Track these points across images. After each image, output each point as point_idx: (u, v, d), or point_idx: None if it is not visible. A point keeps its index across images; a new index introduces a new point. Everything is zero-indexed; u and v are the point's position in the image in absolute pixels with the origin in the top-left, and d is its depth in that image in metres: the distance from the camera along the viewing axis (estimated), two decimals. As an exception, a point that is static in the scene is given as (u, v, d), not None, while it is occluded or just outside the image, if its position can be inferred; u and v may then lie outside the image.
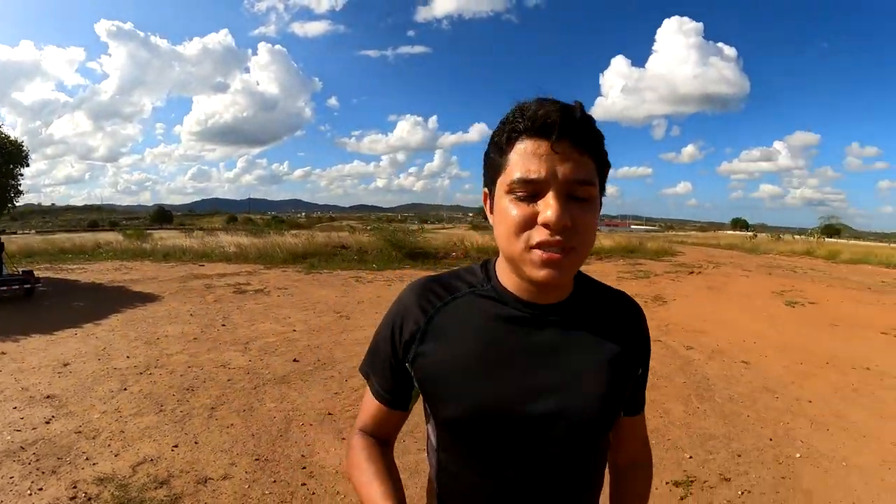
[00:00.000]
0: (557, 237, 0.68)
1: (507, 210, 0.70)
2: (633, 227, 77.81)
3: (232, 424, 2.88)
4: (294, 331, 4.97)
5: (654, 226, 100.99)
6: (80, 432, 2.72)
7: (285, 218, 71.19)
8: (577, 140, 0.69)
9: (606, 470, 0.91)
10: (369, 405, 0.87)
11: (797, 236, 36.58)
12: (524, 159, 0.69)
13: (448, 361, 0.78)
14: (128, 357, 3.90)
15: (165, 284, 7.01)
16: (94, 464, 2.42)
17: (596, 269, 11.64)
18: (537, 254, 0.69)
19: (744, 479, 2.71)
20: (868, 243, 36.26)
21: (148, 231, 18.66)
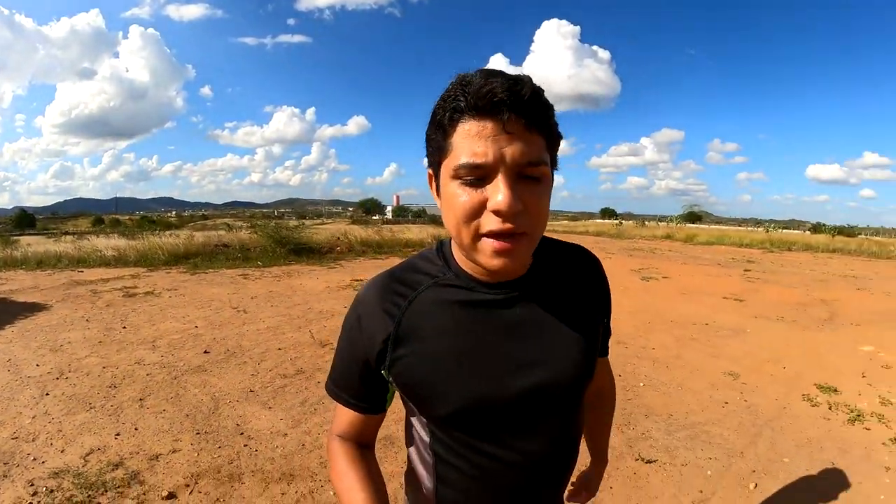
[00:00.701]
0: (509, 224, 0.65)
1: (456, 196, 0.67)
2: None
3: (164, 410, 3.16)
4: (196, 327, 5.13)
5: None
6: (17, 438, 2.81)
7: (156, 218, 65.86)
8: (527, 118, 0.64)
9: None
10: (344, 415, 0.85)
11: (660, 222, 40.40)
12: (469, 142, 0.64)
13: (427, 362, 0.76)
14: (38, 365, 3.90)
15: (49, 293, 6.69)
16: (42, 462, 2.58)
17: None
18: (488, 243, 0.66)
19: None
20: (726, 227, 41.31)
21: (13, 237, 16.70)
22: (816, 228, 35.87)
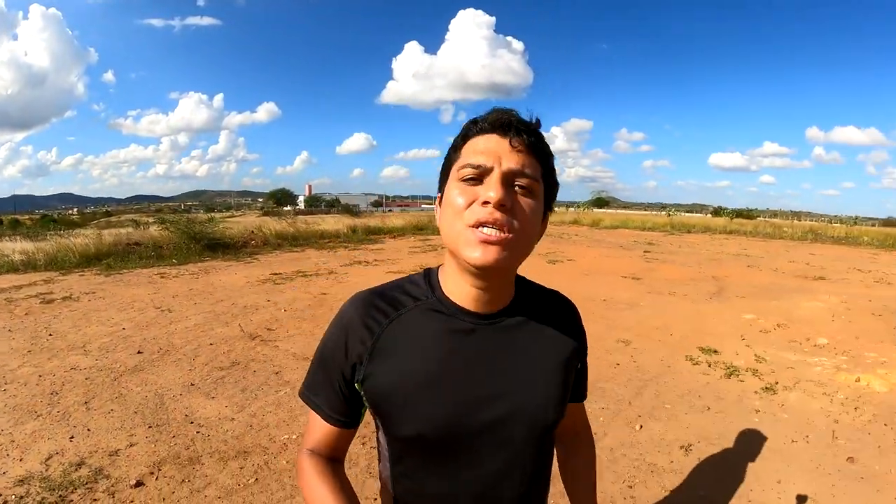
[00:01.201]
0: (496, 215, 0.71)
1: (454, 196, 0.75)
2: (423, 206, 79.91)
3: (112, 410, 3.39)
4: (123, 329, 5.22)
5: None
6: (-30, 453, 2.89)
7: (57, 217, 60.11)
8: (528, 141, 0.75)
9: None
10: (317, 428, 0.86)
11: (570, 209, 42.46)
12: (475, 148, 0.75)
13: (399, 381, 0.79)
14: (-31, 381, 3.93)
15: (-42, 306, 6.46)
16: (4, 473, 2.68)
17: (390, 247, 12.92)
18: (475, 233, 0.72)
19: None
20: (633, 212, 44.31)
21: None
22: (717, 212, 39.37)
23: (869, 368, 4.51)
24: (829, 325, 6.05)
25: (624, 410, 3.55)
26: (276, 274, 8.45)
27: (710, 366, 4.53)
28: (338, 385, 0.83)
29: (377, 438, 0.90)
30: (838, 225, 27.13)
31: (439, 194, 0.83)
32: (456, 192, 0.75)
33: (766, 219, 33.07)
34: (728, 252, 14.46)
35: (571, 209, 40.87)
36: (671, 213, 35.63)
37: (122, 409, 3.42)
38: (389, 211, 38.77)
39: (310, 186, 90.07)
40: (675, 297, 7.54)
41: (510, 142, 0.74)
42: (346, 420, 0.85)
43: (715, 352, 4.91)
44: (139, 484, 2.61)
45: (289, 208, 49.93)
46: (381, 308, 0.82)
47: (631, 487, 2.69)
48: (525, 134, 0.75)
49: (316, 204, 62.49)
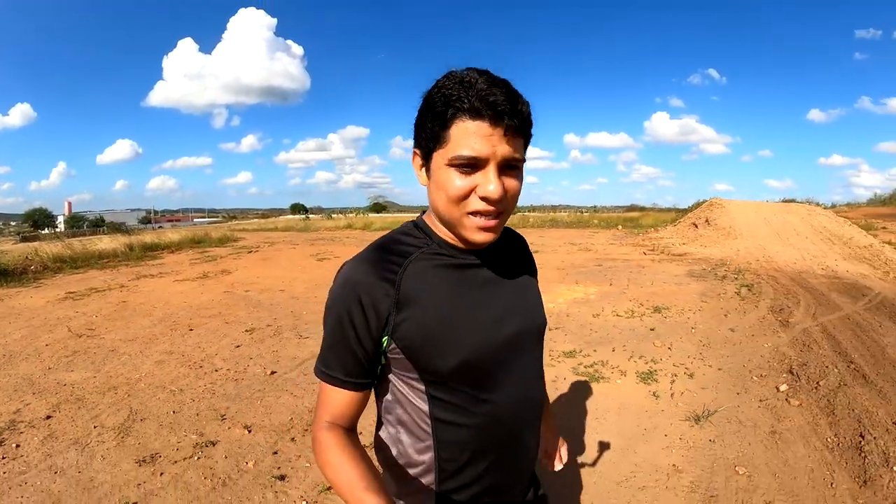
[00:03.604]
0: (494, 208, 0.81)
1: (450, 181, 0.80)
2: (195, 220, 75.26)
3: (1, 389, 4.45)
4: None
5: (217, 217, 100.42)
6: None
7: None
8: (519, 128, 0.79)
9: None
10: (335, 399, 0.89)
11: (349, 214, 44.84)
12: (468, 138, 0.77)
13: (432, 320, 0.85)
14: None
15: None
16: None
17: (170, 261, 13.49)
18: (475, 220, 0.82)
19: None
20: (403, 215, 48.74)
21: None
22: None
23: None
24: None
25: None
26: (71, 293, 8.79)
27: None
28: (360, 348, 0.86)
29: (387, 405, 0.96)
30: (565, 214, 33.80)
31: (416, 150, 0.88)
32: (450, 178, 0.80)
33: (525, 213, 38.77)
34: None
35: (351, 215, 43.48)
36: None
37: (8, 388, 4.25)
38: (159, 227, 36.43)
39: (69, 203, 77.36)
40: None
41: (504, 130, 0.77)
42: (366, 382, 0.90)
43: None
44: (48, 416, 3.63)
45: (46, 231, 42.85)
46: (392, 260, 0.87)
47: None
48: (516, 117, 0.78)
49: (78, 225, 54.39)
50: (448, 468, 0.92)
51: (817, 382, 4.34)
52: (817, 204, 28.09)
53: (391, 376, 0.93)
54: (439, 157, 0.82)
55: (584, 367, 4.65)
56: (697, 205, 23.24)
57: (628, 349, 5.15)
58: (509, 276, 0.97)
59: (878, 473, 3.07)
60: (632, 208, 49.01)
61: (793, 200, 30.77)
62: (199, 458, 3.09)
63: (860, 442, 3.40)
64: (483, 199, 0.80)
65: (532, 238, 18.76)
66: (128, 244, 14.83)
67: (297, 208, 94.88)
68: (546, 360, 4.76)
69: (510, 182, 0.82)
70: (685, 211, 25.26)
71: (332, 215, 45.04)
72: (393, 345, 0.87)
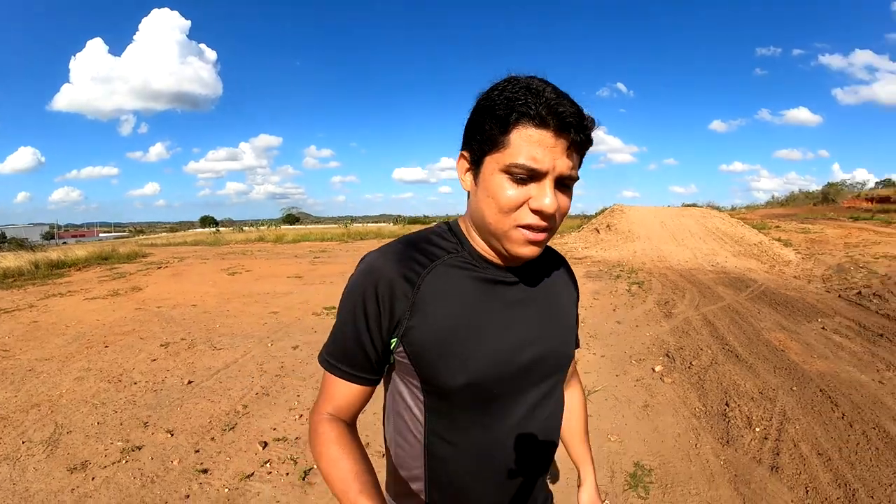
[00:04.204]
0: (545, 223, 0.77)
1: (502, 189, 0.75)
2: (101, 235, 70.06)
3: None
4: None
5: (124, 231, 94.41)
6: None
7: None
8: (582, 144, 0.77)
9: None
10: (338, 391, 0.86)
11: (262, 226, 43.89)
12: (531, 147, 0.73)
13: (444, 332, 0.81)
14: None
15: None
16: None
17: (78, 278, 13.16)
18: (523, 233, 0.77)
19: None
20: (323, 226, 48.82)
21: None
22: (395, 220, 45.40)
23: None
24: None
25: (262, 345, 6.30)
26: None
27: (326, 315, 7.70)
28: (368, 342, 0.83)
29: (392, 404, 0.92)
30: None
31: (464, 152, 0.83)
32: (504, 188, 0.75)
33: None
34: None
35: (263, 227, 42.50)
36: (348, 224, 40.47)
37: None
38: (64, 243, 34.41)
39: None
40: (324, 284, 10.73)
41: (568, 144, 0.74)
42: (371, 378, 0.87)
43: (333, 308, 7.83)
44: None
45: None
46: (418, 259, 0.83)
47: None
48: (582, 133, 0.75)
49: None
50: (438, 482, 0.89)
51: (690, 362, 4.83)
52: (717, 207, 31.06)
53: (395, 376, 0.90)
54: (493, 162, 0.77)
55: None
56: (602, 211, 24.77)
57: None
58: (542, 298, 0.92)
59: (739, 434, 3.42)
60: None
61: (693, 205, 33.64)
62: (126, 461, 3.33)
63: (725, 410, 3.76)
64: (536, 212, 0.76)
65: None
66: (33, 261, 14.28)
67: (207, 221, 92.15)
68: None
69: (562, 199, 0.79)
70: (591, 217, 26.90)
71: (244, 228, 43.25)
72: (401, 348, 0.83)
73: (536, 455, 0.92)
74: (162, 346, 6.44)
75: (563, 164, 0.75)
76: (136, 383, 5.10)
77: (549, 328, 0.92)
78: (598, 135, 0.82)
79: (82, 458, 3.40)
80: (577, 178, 0.79)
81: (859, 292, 8.05)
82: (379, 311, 0.82)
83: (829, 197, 39.69)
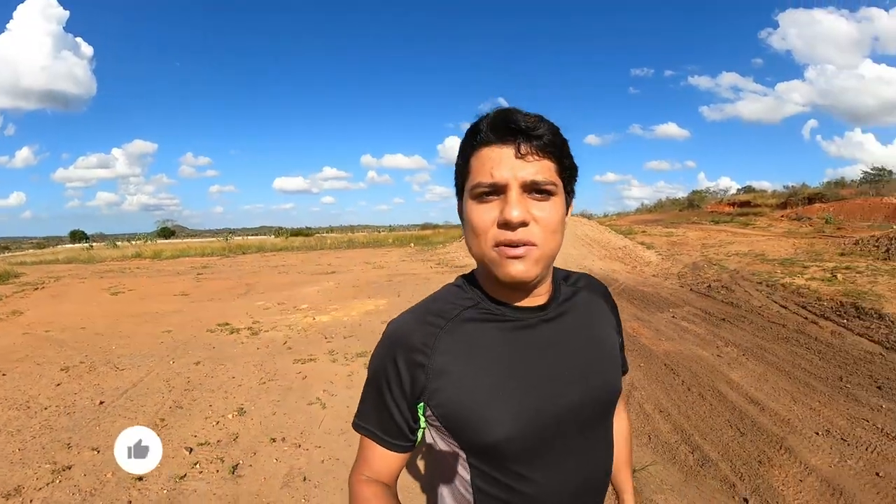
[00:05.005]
0: (517, 235, 0.72)
1: (472, 212, 0.75)
2: None
3: None
4: None
5: None
6: None
7: None
8: (538, 145, 0.72)
9: None
10: (374, 455, 0.85)
11: (136, 241, 41.48)
12: (486, 163, 0.73)
13: (470, 389, 0.77)
14: None
15: None
16: None
17: None
18: (500, 251, 0.74)
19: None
20: (199, 240, 46.46)
21: None
22: (278, 232, 44.35)
23: (324, 312, 8.60)
24: (314, 297, 10.32)
25: (166, 362, 6.35)
26: None
27: (221, 331, 7.76)
28: (395, 409, 0.81)
29: (436, 461, 0.87)
30: (363, 234, 35.35)
31: (459, 201, 0.83)
32: (473, 211, 0.76)
33: (323, 234, 39.42)
34: (270, 264, 18.11)
35: (137, 242, 40.28)
36: (228, 237, 39.47)
37: None
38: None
39: None
40: (213, 301, 10.67)
41: (517, 150, 0.72)
42: (405, 444, 0.84)
43: (227, 324, 8.11)
44: None
45: None
46: (432, 322, 0.82)
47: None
48: (532, 137, 0.73)
49: None
50: None
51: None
52: (589, 216, 33.59)
53: (434, 434, 0.86)
54: (466, 193, 0.78)
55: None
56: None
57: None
58: (578, 333, 0.87)
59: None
60: (425, 227, 51.55)
61: (566, 213, 36.31)
62: (60, 480, 3.27)
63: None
64: (503, 225, 0.73)
65: (330, 259, 20.20)
66: None
67: (77, 236, 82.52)
68: (341, 360, 6.13)
69: (540, 210, 0.74)
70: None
71: (117, 243, 40.11)
72: (429, 411, 0.81)
73: (591, 500, 0.89)
74: (62, 370, 6.28)
75: (525, 172, 0.73)
76: (46, 408, 5.02)
77: (590, 366, 0.86)
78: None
79: (14, 485, 3.33)
80: (554, 184, 0.76)
81: (709, 286, 9.00)
82: (400, 379, 0.81)
83: (694, 203, 41.81)
